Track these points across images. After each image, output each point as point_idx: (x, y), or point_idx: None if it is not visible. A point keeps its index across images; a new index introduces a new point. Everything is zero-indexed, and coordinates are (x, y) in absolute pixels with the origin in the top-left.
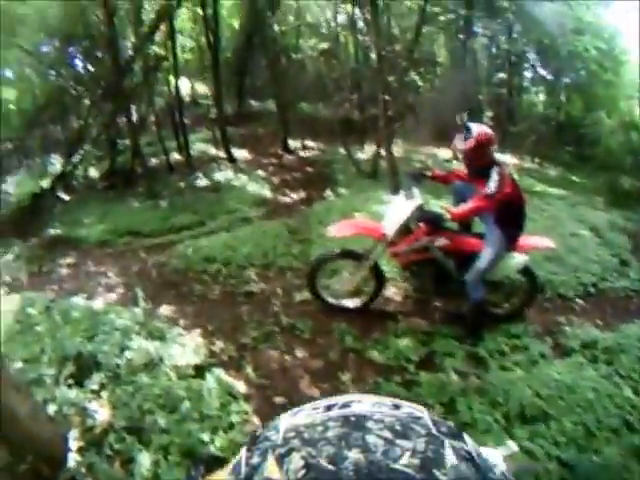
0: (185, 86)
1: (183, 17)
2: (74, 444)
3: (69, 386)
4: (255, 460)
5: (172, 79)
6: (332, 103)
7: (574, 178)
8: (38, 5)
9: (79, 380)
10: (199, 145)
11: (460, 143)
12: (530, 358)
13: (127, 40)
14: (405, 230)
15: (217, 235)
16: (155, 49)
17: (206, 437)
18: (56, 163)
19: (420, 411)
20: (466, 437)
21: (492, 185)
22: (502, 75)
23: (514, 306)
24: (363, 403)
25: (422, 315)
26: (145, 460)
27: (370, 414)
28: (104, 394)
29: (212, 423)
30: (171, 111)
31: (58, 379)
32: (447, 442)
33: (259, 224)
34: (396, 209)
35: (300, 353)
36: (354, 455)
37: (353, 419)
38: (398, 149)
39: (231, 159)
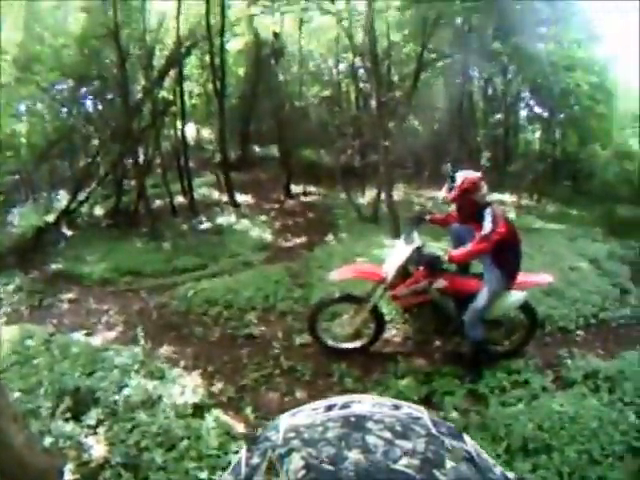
0: (191, 131)
1: (191, 64)
2: (69, 477)
3: (66, 420)
4: (255, 460)
5: (179, 123)
6: (334, 149)
7: (572, 212)
8: (54, 45)
9: (76, 414)
10: (203, 189)
11: (446, 192)
12: (531, 392)
13: (137, 84)
14: (405, 273)
15: (219, 278)
16: (164, 94)
17: (204, 476)
18: (62, 199)
19: (420, 412)
20: (466, 437)
21: (487, 227)
22: (498, 116)
23: (514, 343)
24: (363, 404)
25: (422, 355)
26: None
27: (370, 415)
28: (101, 429)
29: (210, 462)
30: (176, 155)
31: (55, 412)
32: (447, 442)
33: (261, 268)
34: (396, 253)
35: (300, 394)
36: (354, 455)
37: (353, 420)
38: (399, 193)
39: (234, 203)
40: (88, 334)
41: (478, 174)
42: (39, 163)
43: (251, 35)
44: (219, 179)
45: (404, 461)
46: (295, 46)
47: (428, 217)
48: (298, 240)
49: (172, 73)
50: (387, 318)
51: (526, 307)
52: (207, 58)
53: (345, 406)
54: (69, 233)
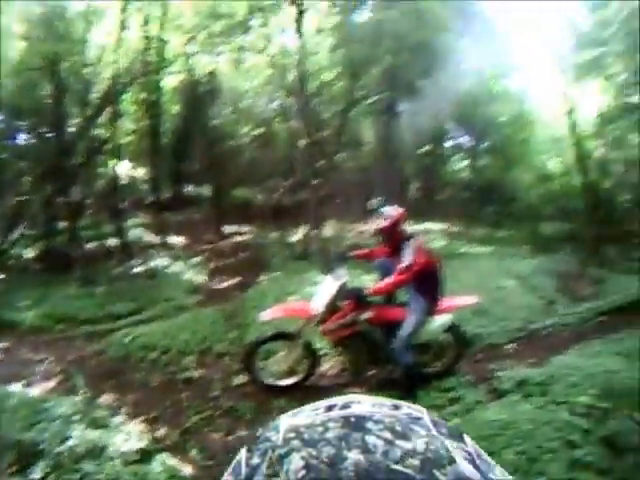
0: (124, 169)
1: (127, 100)
2: None
3: (11, 475)
4: (255, 460)
5: (112, 162)
6: (265, 188)
7: (500, 233)
8: None
9: (21, 469)
10: (135, 231)
11: (375, 224)
12: (466, 407)
13: (72, 119)
14: (333, 308)
15: (155, 323)
16: (99, 131)
17: None
18: None
19: (420, 412)
20: (466, 438)
21: (407, 258)
22: (425, 148)
23: (446, 363)
24: (363, 404)
25: (358, 385)
26: None
27: (370, 415)
28: None
29: None
30: (109, 194)
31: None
32: (447, 442)
33: (196, 311)
34: (323, 289)
35: (242, 433)
36: (354, 456)
37: (353, 420)
38: (330, 229)
39: (167, 245)
40: (25, 385)
41: (402, 209)
42: None
43: (187, 73)
44: (152, 220)
45: (404, 461)
46: (229, 84)
47: (353, 254)
48: (232, 281)
49: (107, 109)
50: (321, 352)
51: (453, 329)
52: (143, 95)
53: (345, 406)
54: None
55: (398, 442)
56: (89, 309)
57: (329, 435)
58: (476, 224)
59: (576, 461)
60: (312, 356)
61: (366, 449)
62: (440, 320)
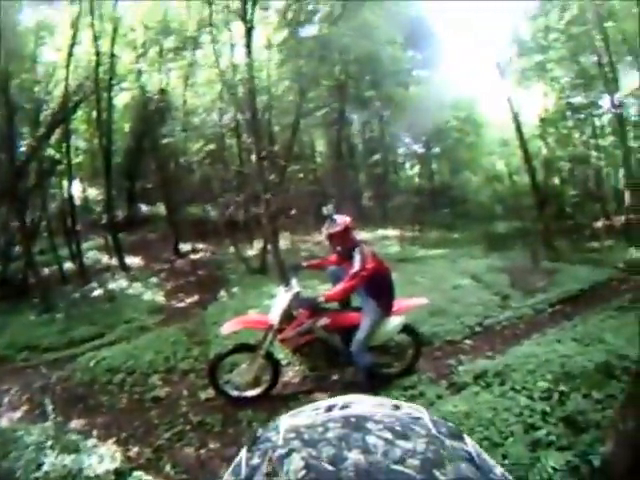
0: (76, 190)
1: (77, 118)
2: None
3: None
4: (255, 461)
5: (65, 183)
6: (218, 204)
7: (453, 235)
8: None
9: None
10: (92, 253)
11: (328, 229)
12: (427, 402)
13: (23, 139)
14: (290, 317)
15: (118, 345)
16: (51, 152)
17: None
18: None
19: (420, 412)
20: (466, 438)
21: (356, 265)
22: (377, 156)
23: (404, 363)
24: (363, 404)
25: (321, 390)
26: None
27: (370, 415)
28: None
29: None
30: (63, 217)
31: None
32: (447, 442)
33: (157, 331)
34: (278, 300)
35: (213, 445)
36: (354, 456)
37: (353, 420)
38: (285, 242)
39: (124, 267)
40: None
41: (350, 218)
42: None
43: (138, 90)
44: (107, 242)
45: (404, 461)
46: (180, 100)
47: (305, 264)
48: (191, 299)
49: (59, 129)
50: (283, 362)
51: (409, 329)
52: (94, 112)
53: (345, 406)
54: None
55: (398, 442)
56: (51, 336)
57: (329, 435)
58: (430, 228)
59: (538, 441)
60: (274, 366)
61: (366, 449)
62: (393, 322)
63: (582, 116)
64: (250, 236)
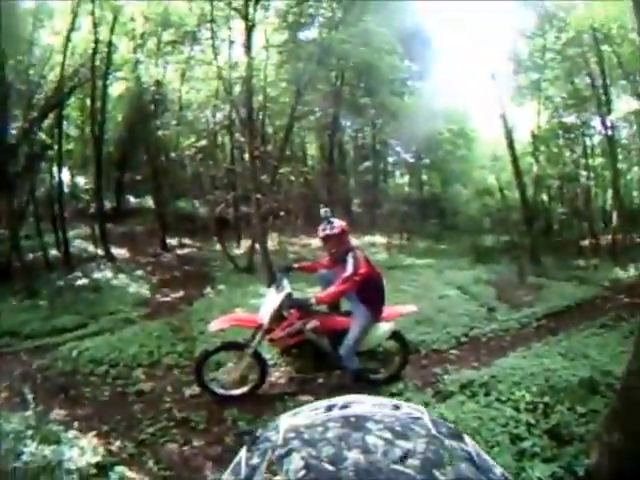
0: (65, 177)
1: (71, 105)
2: None
3: None
4: (255, 460)
5: (55, 169)
6: (208, 201)
7: (441, 246)
8: None
9: None
10: (78, 242)
11: (324, 231)
12: None
13: (15, 123)
14: (280, 318)
15: (101, 336)
16: (42, 136)
17: None
18: None
19: (420, 412)
20: (466, 437)
21: (349, 269)
22: (367, 163)
23: (391, 369)
24: (363, 404)
25: (308, 392)
26: None
27: (370, 415)
28: None
29: None
30: (51, 203)
31: None
32: (447, 442)
33: (142, 324)
34: (269, 300)
35: (197, 442)
36: (354, 456)
37: (353, 420)
38: (273, 242)
39: (110, 257)
40: None
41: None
42: None
43: (134, 80)
44: (94, 231)
45: (404, 461)
46: (175, 94)
47: (296, 266)
48: (177, 294)
49: (52, 114)
50: (271, 362)
51: (397, 336)
52: (88, 100)
53: (345, 406)
54: None
55: (398, 442)
56: (33, 323)
57: (329, 435)
58: (418, 237)
59: (523, 452)
60: (261, 365)
61: (366, 449)
62: (383, 327)
63: (573, 136)
64: (238, 235)
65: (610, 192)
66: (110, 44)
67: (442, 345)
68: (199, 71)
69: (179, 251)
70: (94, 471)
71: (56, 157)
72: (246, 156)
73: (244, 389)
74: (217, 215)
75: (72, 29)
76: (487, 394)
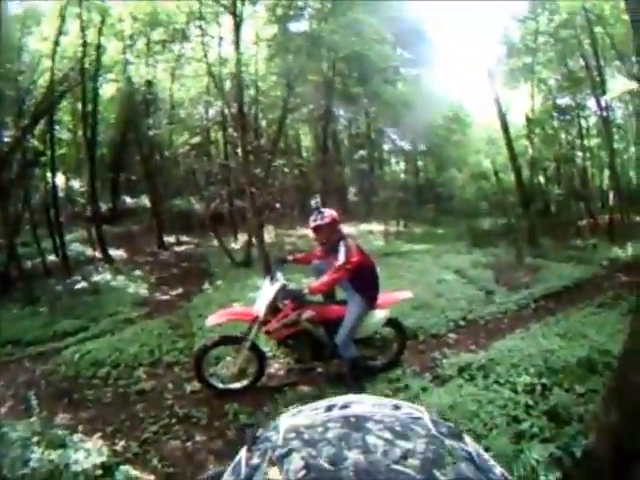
0: (59, 181)
1: (62, 109)
2: None
3: None
4: (255, 461)
5: (49, 174)
6: (203, 197)
7: (438, 231)
8: None
9: None
10: (75, 245)
11: (315, 221)
12: (412, 394)
13: (7, 130)
14: (275, 310)
15: (102, 338)
16: (34, 142)
17: None
18: None
19: (420, 412)
20: (466, 437)
21: (341, 257)
22: (362, 152)
23: (389, 356)
24: (363, 404)
25: (307, 382)
26: None
27: (370, 415)
28: None
29: None
30: (46, 209)
31: None
32: (447, 442)
33: (142, 324)
34: (264, 293)
35: (200, 438)
36: (354, 456)
37: (353, 420)
38: (269, 235)
39: (108, 259)
40: None
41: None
42: None
43: (124, 81)
44: (91, 234)
45: (404, 461)
46: (167, 93)
47: (291, 258)
48: (175, 292)
49: (43, 120)
50: (269, 354)
51: (393, 322)
52: (79, 104)
53: (345, 406)
54: None
55: (398, 442)
56: (34, 330)
57: (329, 435)
58: (415, 223)
59: (521, 433)
60: (260, 358)
61: (366, 449)
62: (378, 315)
63: (568, 117)
64: (235, 229)
65: (607, 172)
66: (99, 46)
67: (440, 329)
68: (189, 69)
69: (176, 248)
70: (100, 472)
71: (49, 162)
72: (239, 151)
73: (244, 382)
74: (212, 211)
75: (60, 33)
76: (485, 377)
